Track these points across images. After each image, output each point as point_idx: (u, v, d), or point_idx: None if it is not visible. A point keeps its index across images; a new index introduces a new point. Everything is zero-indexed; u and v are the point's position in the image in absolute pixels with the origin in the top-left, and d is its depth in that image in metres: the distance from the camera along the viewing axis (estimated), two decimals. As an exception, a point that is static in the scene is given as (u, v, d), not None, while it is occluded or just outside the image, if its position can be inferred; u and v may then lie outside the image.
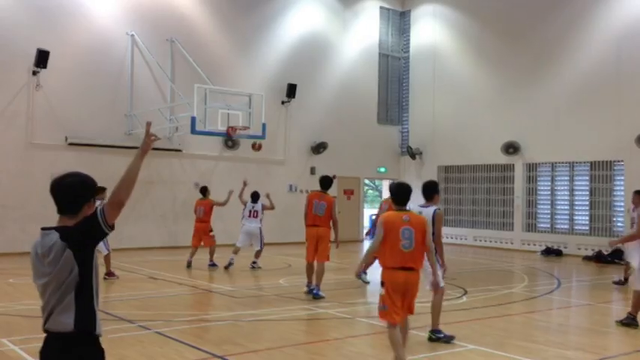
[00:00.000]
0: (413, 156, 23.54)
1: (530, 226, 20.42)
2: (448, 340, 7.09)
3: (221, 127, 15.55)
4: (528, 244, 20.01)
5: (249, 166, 19.72)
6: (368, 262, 6.55)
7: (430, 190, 7.32)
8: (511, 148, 20.56)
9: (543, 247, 19.23)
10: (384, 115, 24.10)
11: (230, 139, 18.79)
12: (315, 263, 10.00)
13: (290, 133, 21.17)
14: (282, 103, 20.99)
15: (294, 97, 21.05)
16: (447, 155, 22.54)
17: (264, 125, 16.05)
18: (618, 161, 18.43)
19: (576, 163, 19.53)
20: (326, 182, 10.19)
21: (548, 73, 19.89)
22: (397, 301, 5.72)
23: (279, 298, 9.97)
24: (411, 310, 5.92)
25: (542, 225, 20.38)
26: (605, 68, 18.51)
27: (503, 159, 20.86)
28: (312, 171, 21.24)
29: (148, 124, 3.21)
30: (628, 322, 8.26)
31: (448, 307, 7.51)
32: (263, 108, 16.22)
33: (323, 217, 9.86)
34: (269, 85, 20.14)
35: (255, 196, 13.86)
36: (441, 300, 7.25)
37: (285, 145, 21.05)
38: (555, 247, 19.01)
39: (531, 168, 20.65)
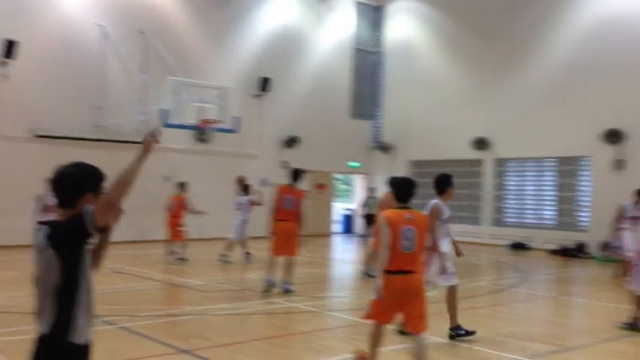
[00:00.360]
0: (384, 150, 23.70)
1: (499, 221, 20.73)
2: (469, 334, 7.04)
3: (193, 120, 15.41)
4: (496, 239, 20.30)
5: (220, 160, 19.64)
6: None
7: (440, 183, 7.16)
8: (481, 144, 20.83)
9: (511, 242, 19.54)
10: (357, 110, 24.16)
11: (203, 133, 18.68)
12: (284, 258, 9.87)
13: (263, 126, 21.10)
14: (256, 96, 20.92)
15: (267, 90, 20.99)
16: (418, 150, 22.73)
17: (236, 119, 15.96)
18: (585, 157, 18.82)
19: (544, 158, 19.91)
20: (297, 175, 10.02)
21: (518, 70, 20.19)
22: (388, 308, 5.26)
23: (249, 293, 9.96)
24: (419, 325, 5.29)
25: (510, 219, 20.72)
26: (572, 66, 18.86)
27: (473, 154, 21.12)
28: (284, 165, 21.22)
29: (156, 127, 3.11)
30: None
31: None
32: (235, 102, 16.12)
33: (293, 211, 9.71)
34: (243, 78, 20.04)
35: (244, 189, 13.92)
36: (449, 297, 7.15)
37: (258, 139, 20.98)
38: (522, 242, 19.32)
39: (500, 163, 20.96)
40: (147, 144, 2.95)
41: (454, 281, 7.16)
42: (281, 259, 9.85)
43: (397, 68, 23.91)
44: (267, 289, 9.69)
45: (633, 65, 17.61)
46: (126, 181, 2.78)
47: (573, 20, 19.17)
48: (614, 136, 17.68)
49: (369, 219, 19.51)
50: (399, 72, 23.83)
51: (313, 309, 8.89)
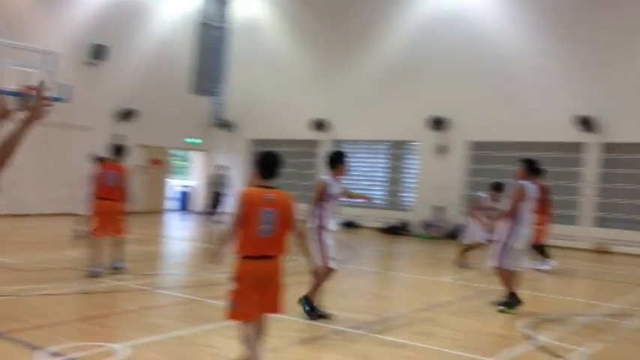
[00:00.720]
0: (226, 128, 23.55)
1: (334, 200, 21.56)
2: (314, 317, 6.99)
3: (14, 86, 14.12)
4: (331, 217, 21.14)
5: (48, 131, 18.19)
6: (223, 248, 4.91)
7: (331, 160, 7.15)
8: (320, 125, 21.45)
9: (343, 220, 20.40)
10: (200, 86, 23.69)
11: (26, 101, 17.18)
12: (111, 238, 9.36)
13: (97, 97, 19.91)
14: (89, 64, 19.66)
15: (103, 58, 19.81)
16: (259, 129, 22.87)
17: (65, 87, 14.88)
18: (413, 141, 20.17)
19: (377, 141, 21.03)
20: (119, 150, 9.44)
21: (358, 55, 21.06)
22: (252, 297, 4.69)
23: (71, 272, 9.38)
24: (276, 308, 4.86)
25: (343, 199, 21.60)
26: (405, 56, 20.09)
27: (312, 135, 21.69)
28: (118, 139, 20.28)
29: (39, 85, 2.58)
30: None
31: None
32: (66, 68, 15.07)
33: (116, 188, 9.15)
34: (75, 44, 18.76)
35: (98, 162, 12.93)
36: (320, 275, 7.07)
37: (91, 110, 19.77)
38: (354, 220, 20.28)
39: (337, 145, 21.75)
40: (36, 110, 2.55)
41: (334, 265, 7.16)
42: (108, 240, 9.34)
43: (242, 46, 23.79)
44: (92, 276, 8.93)
45: (457, 59, 19.12)
46: (7, 149, 2.45)
47: (409, 13, 20.38)
48: (438, 123, 19.10)
49: (216, 197, 19.43)
50: (243, 49, 23.73)
51: (142, 287, 8.64)
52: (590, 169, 17.22)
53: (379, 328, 6.93)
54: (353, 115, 20.96)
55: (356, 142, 21.50)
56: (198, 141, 23.56)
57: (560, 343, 6.59)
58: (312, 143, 21.92)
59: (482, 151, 18.88)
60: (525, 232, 8.10)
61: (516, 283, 8.22)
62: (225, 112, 23.93)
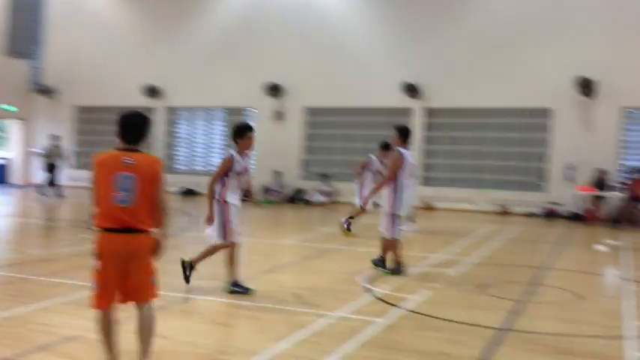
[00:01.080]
0: (46, 94, 21.78)
1: (170, 168, 20.98)
2: (246, 291, 6.87)
3: None
4: (170, 186, 20.57)
5: None
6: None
7: (233, 134, 6.90)
8: (153, 92, 20.62)
9: (182, 188, 19.98)
10: (14, 47, 21.52)
11: None
12: None
13: None
14: None
15: None
16: (85, 95, 21.46)
17: None
18: (250, 108, 20.16)
19: (214, 108, 20.72)
20: None
21: (191, 20, 20.45)
22: (112, 278, 4.05)
23: None
24: (144, 295, 4.17)
25: (180, 167, 21.14)
26: (240, 22, 19.99)
27: (144, 102, 20.79)
28: None
29: None
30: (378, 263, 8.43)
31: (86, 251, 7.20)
32: None
33: None
34: None
35: None
36: (230, 253, 7.05)
37: None
38: (193, 188, 19.92)
39: (172, 112, 21.12)
40: None
41: (237, 239, 7.07)
42: None
43: (62, 4, 22.00)
44: None
45: (292, 26, 19.36)
46: None
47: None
48: (274, 90, 19.25)
49: (51, 169, 18.08)
50: (64, 9, 21.98)
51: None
52: (417, 132, 18.45)
53: (226, 293, 6.93)
54: (188, 81, 20.42)
55: (192, 109, 21.03)
56: (13, 108, 21.52)
57: (396, 293, 7.05)
58: (146, 110, 20.96)
59: (318, 116, 19.39)
60: (407, 198, 8.28)
61: (400, 250, 8.32)
62: (45, 77, 22.07)
